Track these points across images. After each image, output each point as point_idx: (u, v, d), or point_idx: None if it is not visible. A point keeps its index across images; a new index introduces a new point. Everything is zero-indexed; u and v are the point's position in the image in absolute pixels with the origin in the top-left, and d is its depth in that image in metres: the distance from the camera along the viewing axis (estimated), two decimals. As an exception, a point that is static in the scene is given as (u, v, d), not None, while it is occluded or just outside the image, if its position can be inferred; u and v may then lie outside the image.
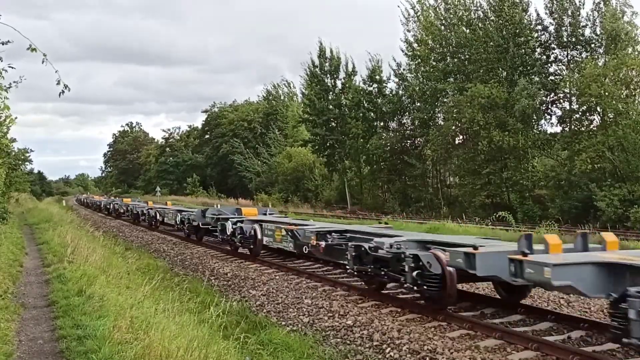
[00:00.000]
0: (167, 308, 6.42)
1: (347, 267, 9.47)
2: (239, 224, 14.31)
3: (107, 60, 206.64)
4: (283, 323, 8.27)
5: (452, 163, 36.40)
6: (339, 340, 7.32)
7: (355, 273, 9.27)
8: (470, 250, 6.74)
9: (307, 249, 11.23)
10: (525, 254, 6.05)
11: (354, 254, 9.13)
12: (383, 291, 9.44)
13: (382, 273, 8.43)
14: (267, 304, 9.51)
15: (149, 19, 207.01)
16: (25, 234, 21.07)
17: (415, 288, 7.67)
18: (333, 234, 10.78)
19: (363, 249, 8.92)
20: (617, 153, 25.80)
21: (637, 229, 22.00)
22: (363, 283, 9.77)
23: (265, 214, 16.44)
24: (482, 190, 32.04)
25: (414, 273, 7.56)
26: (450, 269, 7.21)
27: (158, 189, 66.90)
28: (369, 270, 8.78)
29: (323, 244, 10.50)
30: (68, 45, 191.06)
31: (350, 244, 9.45)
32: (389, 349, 6.75)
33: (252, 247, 13.91)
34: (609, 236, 6.84)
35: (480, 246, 6.89)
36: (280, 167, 52.03)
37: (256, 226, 13.80)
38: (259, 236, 13.59)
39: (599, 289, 5.58)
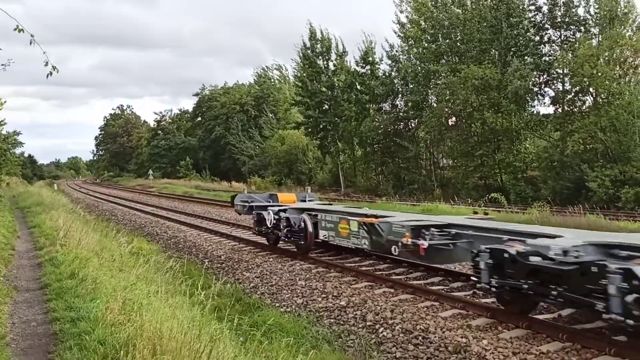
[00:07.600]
0: (160, 290, 6.42)
1: (479, 280, 6.64)
2: (282, 214, 11.89)
3: (83, 43, 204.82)
4: (277, 304, 8.31)
5: (445, 145, 36.37)
6: (332, 320, 7.36)
7: (494, 290, 6.48)
8: None
9: (397, 250, 8.41)
10: None
11: (490, 261, 6.45)
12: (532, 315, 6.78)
13: (555, 294, 5.72)
14: (261, 285, 9.54)
15: (122, 3, 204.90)
16: (16, 217, 20.95)
17: (630, 322, 5.01)
18: (432, 229, 8.07)
19: (507, 255, 6.22)
20: (609, 134, 25.86)
21: (628, 209, 22.18)
22: (498, 303, 7.10)
23: (304, 200, 13.89)
24: (475, 172, 32.10)
25: (629, 298, 4.99)
26: None
27: (150, 172, 66.75)
28: (524, 287, 6.04)
29: (425, 244, 7.75)
30: (43, 29, 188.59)
31: (483, 247, 6.65)
32: (382, 328, 6.80)
33: (302, 242, 11.40)
34: None
35: None
36: (274, 150, 51.84)
37: (305, 216, 11.43)
38: (310, 229, 11.17)
39: None
